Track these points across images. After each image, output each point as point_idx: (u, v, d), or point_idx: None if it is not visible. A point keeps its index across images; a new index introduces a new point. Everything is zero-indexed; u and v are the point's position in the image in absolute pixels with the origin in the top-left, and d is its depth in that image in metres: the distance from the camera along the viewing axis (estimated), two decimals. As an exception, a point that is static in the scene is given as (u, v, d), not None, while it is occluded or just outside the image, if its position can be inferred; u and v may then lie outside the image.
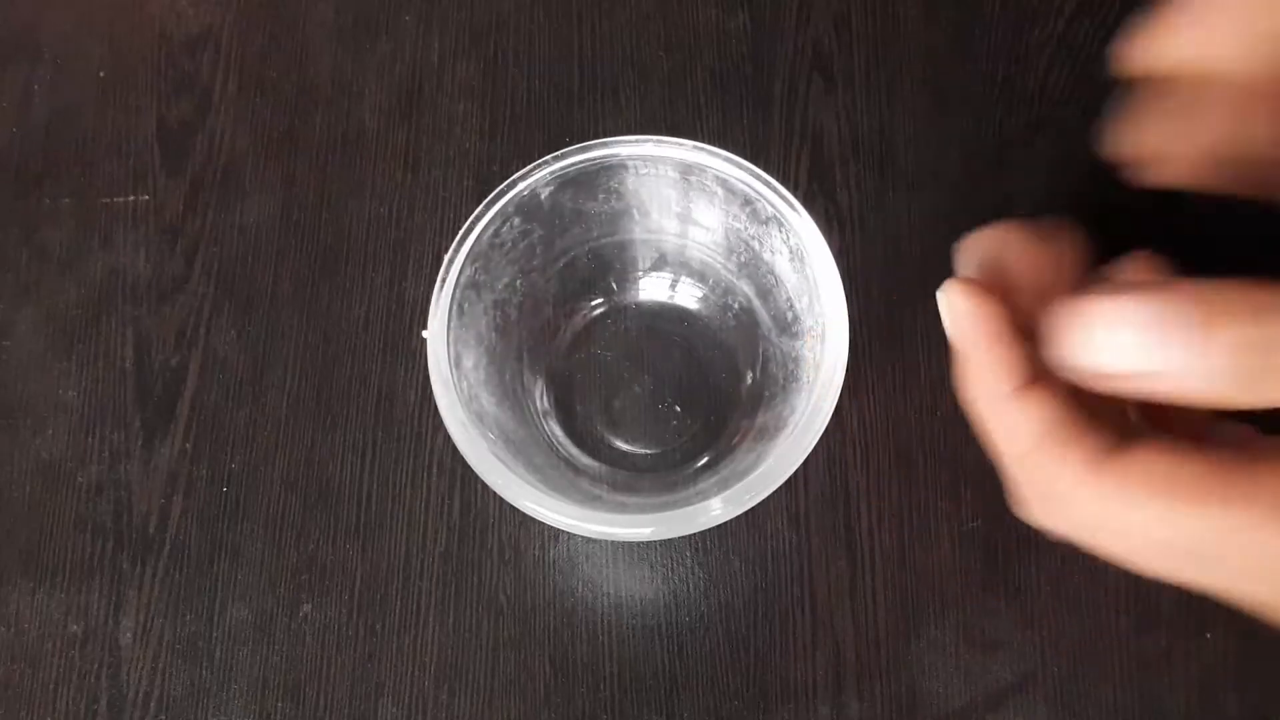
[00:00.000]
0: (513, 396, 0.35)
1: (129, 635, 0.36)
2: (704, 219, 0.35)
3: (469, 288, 0.33)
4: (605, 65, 0.42)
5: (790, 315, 0.34)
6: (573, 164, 0.33)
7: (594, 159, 0.33)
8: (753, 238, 0.34)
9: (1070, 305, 0.23)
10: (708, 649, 0.35)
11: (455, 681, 0.35)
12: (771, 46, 0.42)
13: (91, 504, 0.37)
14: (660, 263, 0.37)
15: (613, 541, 0.36)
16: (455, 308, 0.32)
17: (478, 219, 0.33)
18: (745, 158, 0.33)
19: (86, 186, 0.41)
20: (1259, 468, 0.22)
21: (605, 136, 0.33)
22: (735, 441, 0.35)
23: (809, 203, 0.38)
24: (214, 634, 0.35)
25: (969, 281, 0.26)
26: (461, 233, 0.33)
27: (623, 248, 0.37)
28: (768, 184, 0.32)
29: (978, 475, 0.36)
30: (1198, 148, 0.28)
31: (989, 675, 0.34)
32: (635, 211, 0.35)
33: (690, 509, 0.30)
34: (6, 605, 0.36)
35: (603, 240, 0.36)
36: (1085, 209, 0.39)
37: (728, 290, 0.37)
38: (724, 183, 0.33)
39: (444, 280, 0.32)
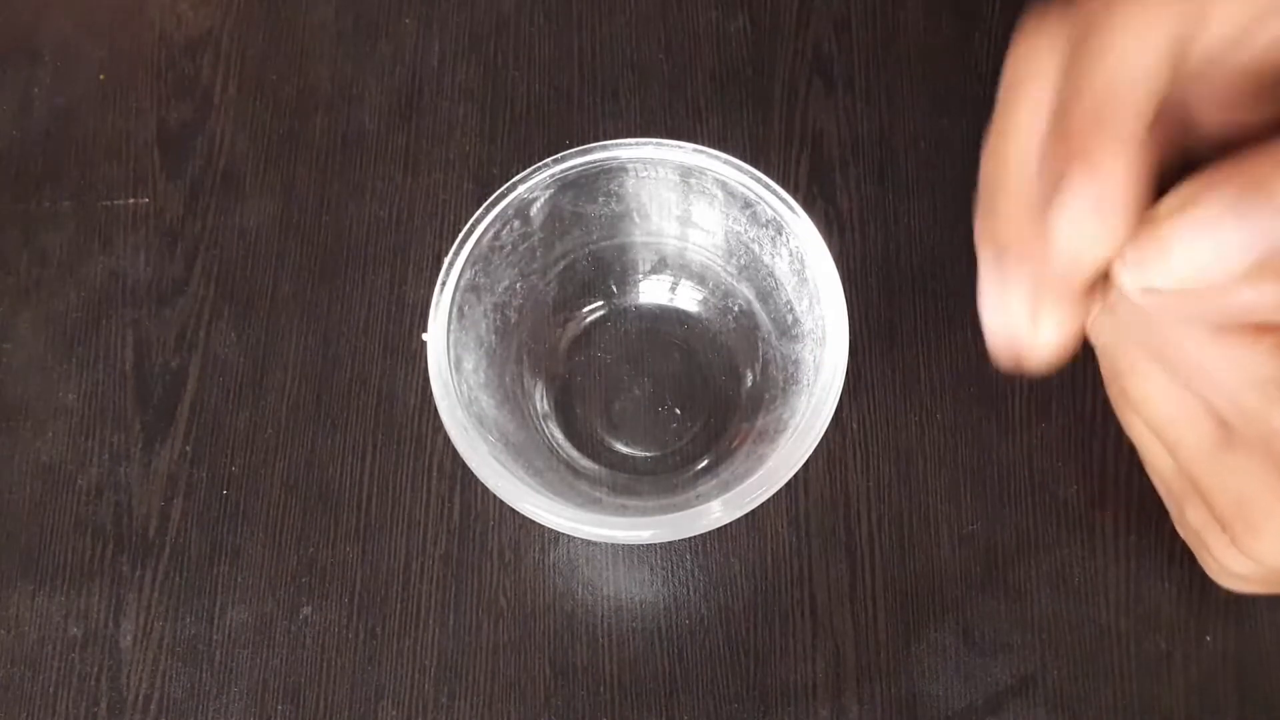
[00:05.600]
0: (513, 399, 0.35)
1: (129, 638, 0.36)
2: (704, 222, 0.35)
3: (469, 290, 0.33)
4: (605, 68, 0.42)
5: (790, 318, 0.34)
6: (572, 167, 0.33)
7: (594, 162, 0.33)
8: (753, 240, 0.34)
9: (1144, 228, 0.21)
10: (707, 652, 0.35)
11: (455, 684, 0.35)
12: (771, 49, 0.42)
13: (91, 507, 0.37)
14: (660, 265, 0.37)
15: (612, 544, 0.36)
16: (455, 310, 0.32)
17: (477, 222, 0.33)
18: (745, 160, 0.33)
19: (86, 189, 0.41)
20: None
21: (605, 139, 0.33)
22: (735, 444, 0.35)
23: (809, 206, 0.38)
24: (214, 637, 0.35)
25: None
26: (461, 235, 0.33)
27: (623, 250, 0.37)
28: (768, 187, 0.33)
29: (977, 478, 0.36)
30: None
31: (989, 678, 0.34)
32: (635, 214, 0.35)
33: (690, 512, 0.30)
34: (6, 608, 0.36)
35: (603, 243, 0.36)
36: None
37: (728, 293, 0.37)
38: (724, 186, 0.33)
39: (444, 283, 0.32)
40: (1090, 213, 0.22)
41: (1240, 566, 0.29)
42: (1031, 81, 0.25)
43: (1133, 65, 0.23)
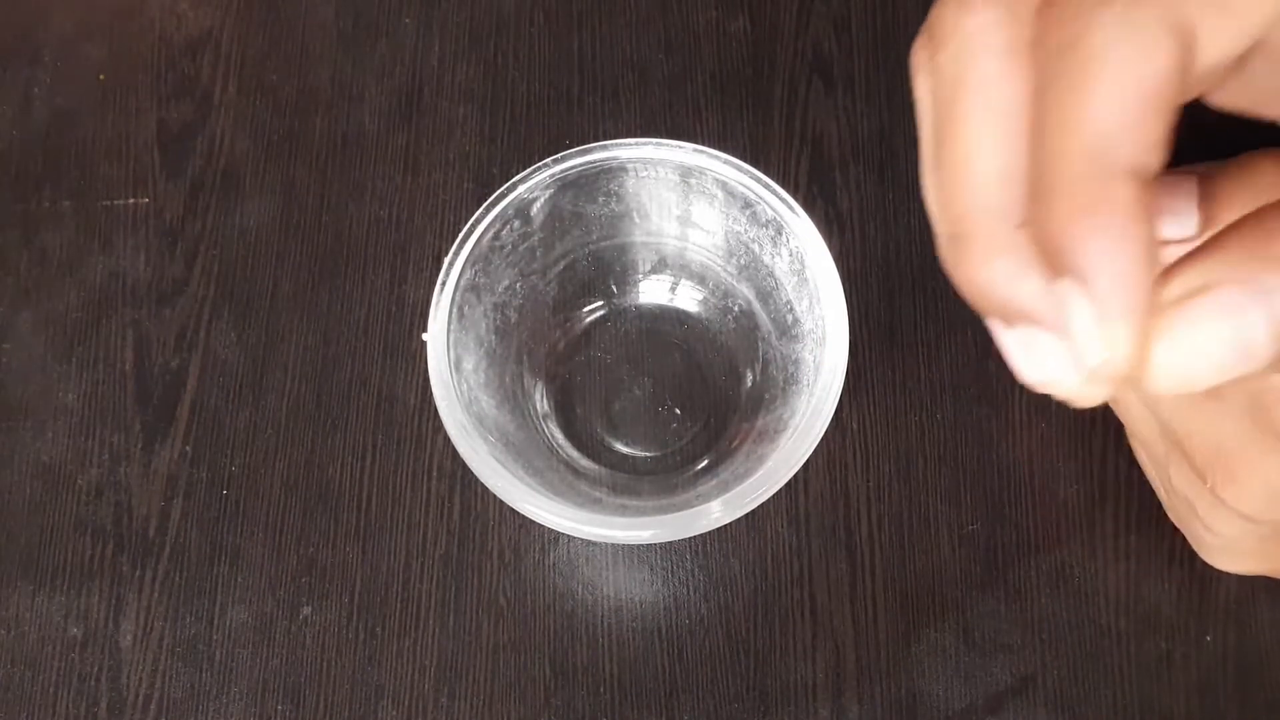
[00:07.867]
0: (513, 399, 0.35)
1: (129, 638, 0.36)
2: (704, 222, 0.35)
3: (469, 290, 0.33)
4: (605, 68, 0.42)
5: (790, 318, 0.34)
6: (573, 167, 0.33)
7: (594, 162, 0.33)
8: (753, 240, 0.34)
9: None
10: (707, 651, 0.35)
11: (455, 684, 0.35)
12: (771, 49, 0.42)
13: (91, 507, 0.37)
14: (660, 265, 0.37)
15: (612, 544, 0.36)
16: (455, 310, 0.32)
17: (477, 222, 0.33)
18: (745, 160, 0.33)
19: (86, 189, 0.41)
20: None
21: (605, 139, 0.33)
22: (735, 444, 0.35)
23: (809, 206, 0.38)
24: (214, 637, 0.35)
25: None
26: (461, 235, 0.33)
27: (622, 250, 0.37)
28: (768, 187, 0.33)
29: (977, 478, 0.36)
30: None
31: (989, 678, 0.34)
32: (635, 214, 0.35)
33: (690, 512, 0.30)
34: (6, 608, 0.36)
35: (602, 243, 0.36)
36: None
37: (727, 293, 0.37)
38: (724, 185, 0.33)
39: (444, 283, 0.32)
40: (1108, 295, 0.18)
41: (1225, 525, 0.28)
42: (982, 92, 0.20)
43: (1126, 102, 0.18)
